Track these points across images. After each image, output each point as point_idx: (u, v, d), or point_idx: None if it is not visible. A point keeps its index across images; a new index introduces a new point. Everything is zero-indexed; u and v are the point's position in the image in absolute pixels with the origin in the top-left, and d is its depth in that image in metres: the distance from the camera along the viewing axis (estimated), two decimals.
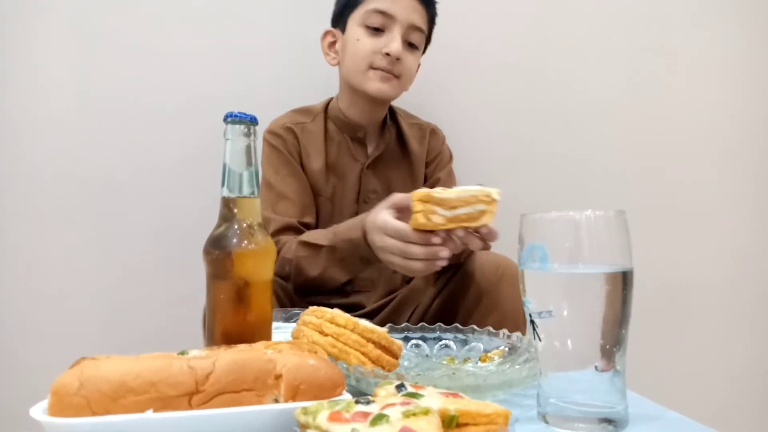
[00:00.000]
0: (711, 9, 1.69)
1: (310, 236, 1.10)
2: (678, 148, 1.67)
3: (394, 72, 1.21)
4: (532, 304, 0.58)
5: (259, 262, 0.65)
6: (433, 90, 1.56)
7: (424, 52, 1.33)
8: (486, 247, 0.94)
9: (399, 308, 1.24)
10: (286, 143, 1.25)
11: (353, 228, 1.04)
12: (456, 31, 1.57)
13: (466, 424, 0.44)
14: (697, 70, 1.68)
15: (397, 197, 0.97)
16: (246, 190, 0.66)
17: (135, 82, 1.45)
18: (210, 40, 1.48)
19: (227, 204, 0.66)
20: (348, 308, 1.16)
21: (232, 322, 0.63)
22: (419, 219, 0.86)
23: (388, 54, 1.18)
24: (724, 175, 1.69)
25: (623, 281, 0.56)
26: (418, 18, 1.22)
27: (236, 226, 0.65)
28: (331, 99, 1.33)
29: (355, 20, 1.22)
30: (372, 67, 1.20)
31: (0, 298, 1.39)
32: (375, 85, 1.21)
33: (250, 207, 0.66)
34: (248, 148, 0.66)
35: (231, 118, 0.65)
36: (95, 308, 1.42)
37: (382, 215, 0.96)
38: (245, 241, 0.64)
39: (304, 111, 1.32)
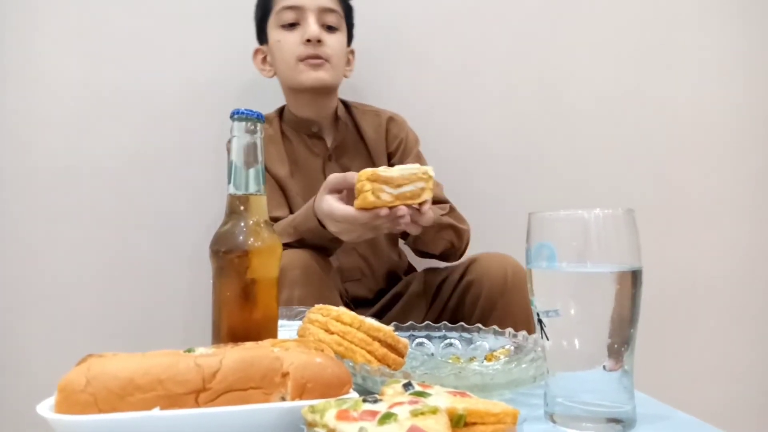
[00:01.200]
0: (714, 9, 1.68)
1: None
2: (684, 147, 1.67)
3: (321, 55, 1.24)
4: (539, 302, 0.58)
5: (265, 260, 0.64)
6: (439, 90, 1.56)
7: (351, 36, 1.36)
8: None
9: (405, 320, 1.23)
10: None
11: (307, 218, 1.06)
12: (461, 31, 1.56)
13: (474, 424, 0.44)
14: (702, 69, 1.68)
15: (332, 179, 0.99)
16: (252, 187, 0.65)
17: (138, 80, 1.45)
18: (215, 37, 1.48)
19: (233, 201, 0.65)
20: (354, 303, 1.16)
21: (238, 319, 0.63)
22: (369, 197, 0.89)
23: (308, 41, 1.22)
24: (730, 174, 1.68)
25: (632, 280, 0.55)
26: (328, 1, 1.26)
27: (242, 224, 0.64)
28: (284, 105, 1.36)
29: (271, 26, 1.28)
30: (299, 60, 1.24)
31: (5, 295, 1.39)
32: (308, 75, 1.24)
33: (257, 204, 0.66)
34: (254, 145, 0.65)
35: (237, 115, 0.65)
36: (100, 305, 1.42)
37: (326, 202, 0.98)
38: (252, 239, 0.64)
39: (266, 116, 1.34)
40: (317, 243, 1.07)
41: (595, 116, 1.63)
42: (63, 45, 1.42)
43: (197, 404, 0.46)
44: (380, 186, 0.90)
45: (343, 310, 0.67)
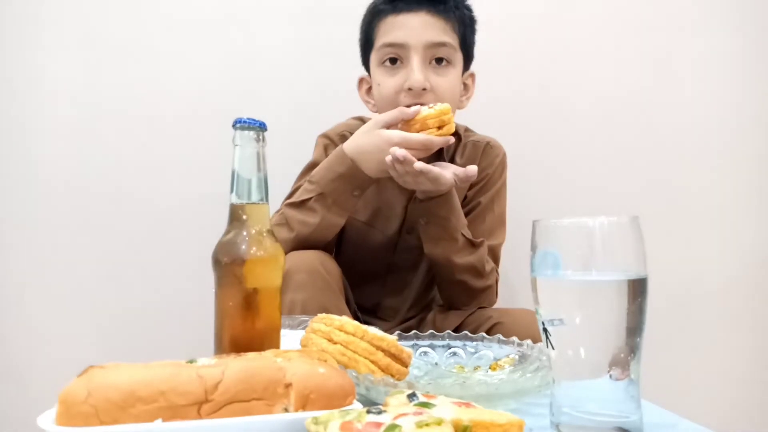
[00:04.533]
0: (716, 14, 1.68)
1: (295, 197, 1.10)
2: (688, 153, 1.66)
3: (426, 105, 1.09)
4: (544, 311, 0.58)
5: (268, 269, 0.64)
6: None
7: (471, 57, 1.21)
8: None
9: None
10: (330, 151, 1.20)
11: (336, 164, 1.06)
12: None
13: None
14: (705, 74, 1.67)
15: (385, 116, 1.04)
16: (255, 197, 0.65)
17: (141, 88, 1.45)
18: (217, 46, 1.48)
19: (236, 210, 0.65)
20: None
21: (240, 329, 0.63)
22: (453, 128, 1.04)
23: (410, 89, 1.09)
24: (734, 180, 1.67)
25: (638, 288, 0.55)
26: (437, 32, 1.11)
27: (245, 233, 0.64)
28: None
29: (374, 63, 1.16)
30: None
31: (7, 304, 1.38)
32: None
33: (259, 213, 0.65)
34: (257, 154, 0.65)
35: (240, 124, 0.64)
36: (101, 315, 1.41)
37: (391, 133, 1.02)
38: (254, 248, 0.63)
39: (365, 122, 1.23)
40: (338, 197, 1.06)
41: (598, 122, 1.63)
42: (65, 52, 1.42)
43: (199, 416, 0.46)
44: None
45: (346, 320, 0.67)
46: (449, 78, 1.14)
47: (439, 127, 1.02)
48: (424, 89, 1.10)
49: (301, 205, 1.08)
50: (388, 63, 1.13)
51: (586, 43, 1.63)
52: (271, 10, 1.50)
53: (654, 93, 1.65)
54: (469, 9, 1.19)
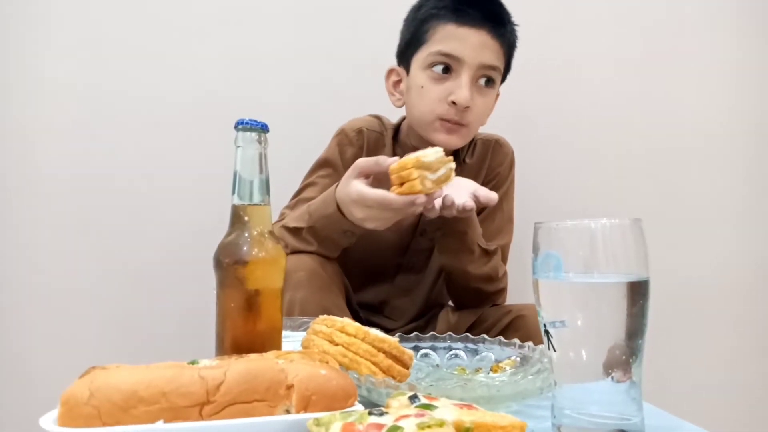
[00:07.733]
0: (721, 16, 1.68)
1: (291, 220, 1.08)
2: (690, 156, 1.66)
3: (462, 122, 1.12)
4: (546, 313, 0.58)
5: (269, 271, 0.64)
6: None
7: (504, 78, 1.23)
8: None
9: None
10: (345, 152, 1.19)
11: (326, 203, 1.02)
12: None
13: None
14: (708, 77, 1.67)
15: (362, 163, 0.95)
16: (257, 198, 0.65)
17: (143, 89, 1.45)
18: (219, 47, 1.48)
19: (237, 212, 0.65)
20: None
21: (242, 331, 0.63)
22: (417, 186, 0.86)
23: (454, 102, 1.09)
24: (737, 182, 1.67)
25: (640, 291, 0.55)
26: (491, 55, 1.12)
27: (246, 234, 0.64)
28: (402, 122, 1.26)
29: (418, 63, 1.14)
30: (439, 118, 1.12)
31: (7, 305, 1.39)
32: (441, 137, 1.12)
33: (261, 215, 0.65)
34: (259, 155, 0.65)
35: (242, 126, 0.64)
36: (103, 316, 1.41)
37: (355, 186, 0.94)
38: (256, 249, 0.63)
39: (384, 122, 1.25)
40: (328, 234, 1.03)
41: (601, 125, 1.63)
42: (66, 54, 1.42)
43: (201, 417, 0.46)
44: (425, 173, 0.87)
45: (347, 321, 0.67)
46: (488, 100, 1.16)
47: (402, 184, 0.88)
48: (467, 107, 1.10)
49: (295, 233, 1.06)
50: (438, 70, 1.11)
51: (588, 45, 1.63)
52: (273, 10, 1.50)
53: (657, 96, 1.65)
54: (516, 34, 1.21)
